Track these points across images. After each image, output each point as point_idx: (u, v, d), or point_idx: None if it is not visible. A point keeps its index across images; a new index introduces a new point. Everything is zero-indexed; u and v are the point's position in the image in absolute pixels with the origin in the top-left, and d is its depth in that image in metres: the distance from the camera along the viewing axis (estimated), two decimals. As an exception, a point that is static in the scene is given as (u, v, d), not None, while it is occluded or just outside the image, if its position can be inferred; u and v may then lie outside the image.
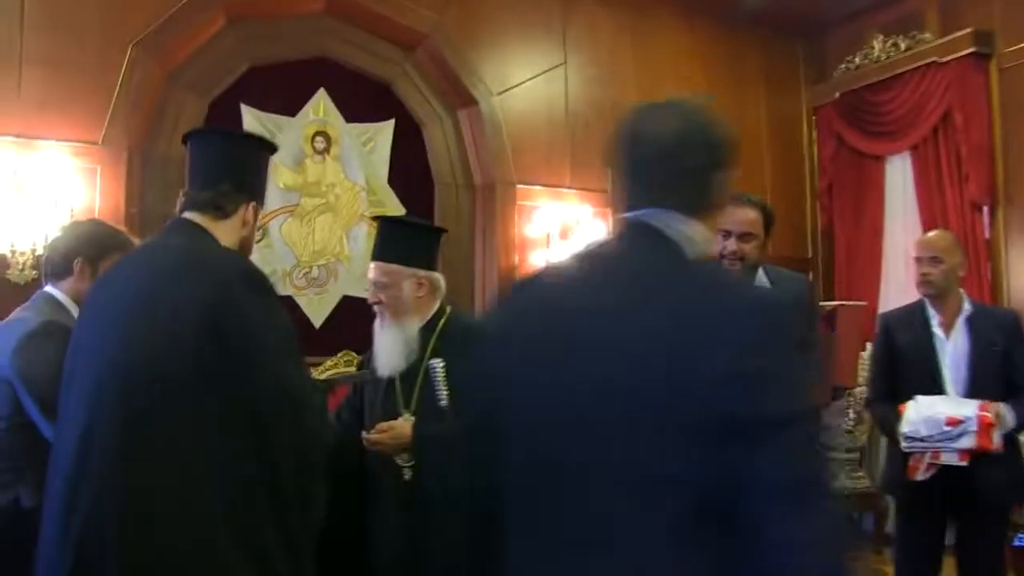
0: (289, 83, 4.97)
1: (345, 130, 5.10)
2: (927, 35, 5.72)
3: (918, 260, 3.49)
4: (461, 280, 5.35)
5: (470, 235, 5.41)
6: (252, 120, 4.84)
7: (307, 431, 1.93)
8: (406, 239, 2.72)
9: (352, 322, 4.99)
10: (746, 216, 2.93)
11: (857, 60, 6.17)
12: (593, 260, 1.38)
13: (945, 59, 5.49)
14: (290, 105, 4.96)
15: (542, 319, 1.32)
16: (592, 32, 5.73)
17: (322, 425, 2.10)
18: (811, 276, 6.16)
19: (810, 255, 6.45)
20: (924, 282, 3.28)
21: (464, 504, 1.53)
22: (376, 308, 2.67)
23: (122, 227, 4.37)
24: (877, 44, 6.01)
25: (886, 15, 6.07)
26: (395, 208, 5.20)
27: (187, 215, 2.03)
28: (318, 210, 5.02)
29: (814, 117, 6.56)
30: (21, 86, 4.27)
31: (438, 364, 2.58)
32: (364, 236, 5.11)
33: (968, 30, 5.39)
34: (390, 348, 2.62)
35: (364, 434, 2.52)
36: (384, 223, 2.84)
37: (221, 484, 1.74)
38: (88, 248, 2.59)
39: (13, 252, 4.12)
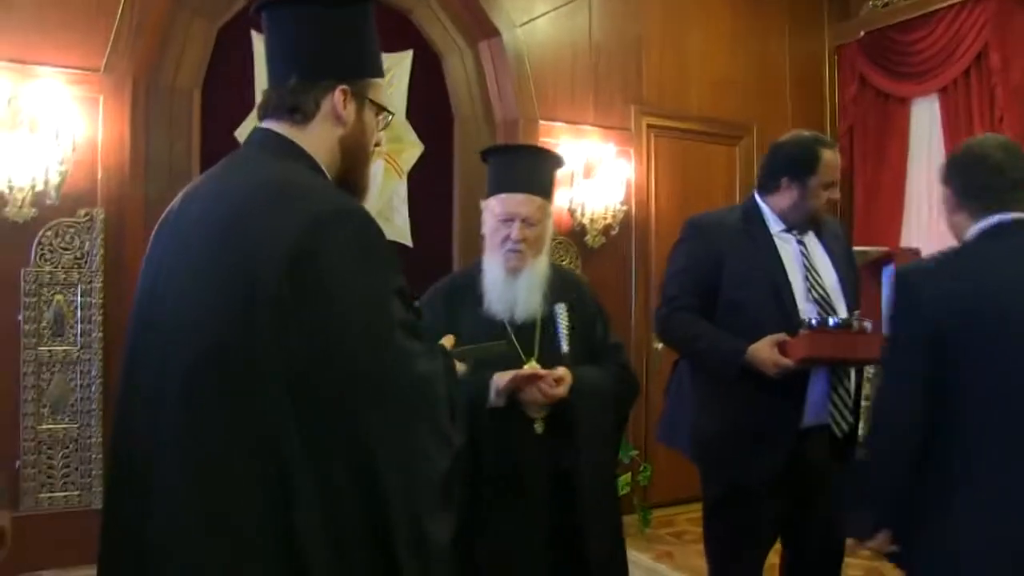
0: (303, 9, 4.62)
1: (362, 61, 4.78)
2: (964, -30, 5.52)
3: None
4: (480, 219, 5.11)
5: (489, 174, 5.16)
6: (263, 49, 4.50)
7: (425, 439, 1.44)
8: (549, 170, 2.56)
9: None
10: (839, 161, 2.82)
11: (886, -3, 5.96)
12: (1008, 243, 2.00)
13: (984, -4, 5.30)
14: (304, 33, 4.61)
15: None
16: (619, -38, 5.45)
17: (451, 426, 1.51)
18: (831, 221, 6.00)
19: (829, 199, 6.30)
20: None
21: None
22: (514, 248, 2.41)
23: (126, 164, 4.15)
24: (909, -20, 5.80)
25: (919, -51, 5.85)
26: (413, 144, 4.92)
27: (266, 124, 1.58)
28: (333, 146, 4.73)
29: (836, 57, 6.35)
30: (13, 5, 3.90)
31: (562, 309, 2.42)
32: (381, 173, 4.83)
33: (1010, -35, 5.19)
34: (530, 291, 2.42)
35: (540, 390, 2.28)
36: (525, 152, 2.67)
37: (299, 509, 1.33)
38: None
39: (11, 188, 3.81)
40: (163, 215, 1.59)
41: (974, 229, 2.05)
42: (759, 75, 6.03)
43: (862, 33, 6.08)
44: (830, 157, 2.75)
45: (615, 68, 5.41)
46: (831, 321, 2.59)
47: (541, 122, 5.09)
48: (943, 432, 1.91)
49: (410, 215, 4.90)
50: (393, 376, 1.41)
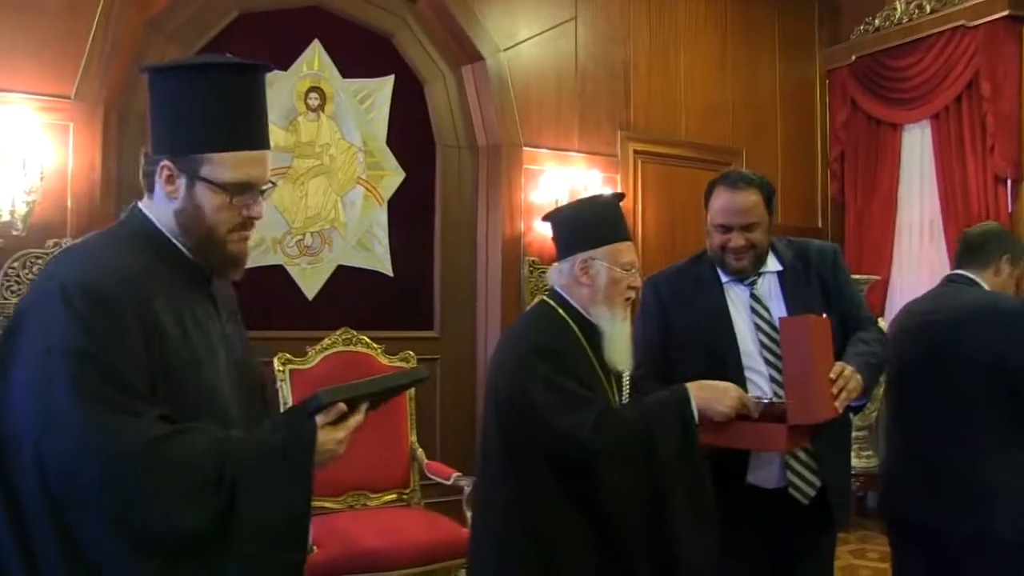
0: (281, 34, 4.54)
1: (341, 86, 4.69)
2: (955, -4, 5.45)
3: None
4: (462, 247, 5.04)
5: (472, 200, 5.08)
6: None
7: (90, 527, 1.36)
8: None
9: (348, 295, 4.67)
10: (746, 203, 2.46)
11: (877, 22, 5.88)
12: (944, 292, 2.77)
13: (975, 23, 5.22)
14: (282, 58, 4.52)
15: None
16: (605, -15, 5.37)
17: (160, 511, 1.37)
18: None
19: (820, 225, 6.22)
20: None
21: None
22: (632, 296, 2.31)
23: (97, 193, 4.04)
24: (900, 5, 5.72)
25: (909, -25, 5.78)
26: (394, 171, 4.83)
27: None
28: (311, 172, 4.63)
29: (827, 81, 6.27)
30: (-20, 31, 3.81)
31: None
32: (360, 201, 4.74)
33: (1001, -8, 5.12)
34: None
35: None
36: (616, 199, 2.46)
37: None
38: None
39: (-24, 218, 3.70)
40: None
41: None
42: (749, 99, 5.95)
43: (853, 58, 6.00)
44: (722, 196, 2.49)
45: (601, 93, 5.33)
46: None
47: (525, 148, 5.01)
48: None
49: (390, 244, 4.80)
50: (55, 446, 1.35)
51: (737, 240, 2.46)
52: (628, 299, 2.27)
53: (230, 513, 1.39)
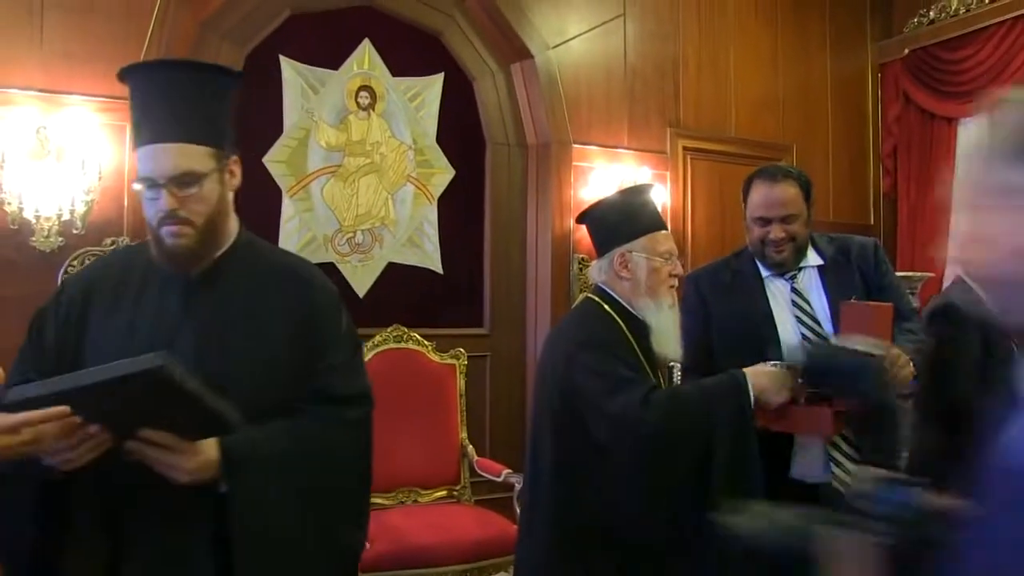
0: (332, 33, 4.58)
1: (391, 85, 4.71)
2: (1014, -14, 5.33)
3: None
4: (512, 244, 5.04)
5: (522, 197, 5.07)
6: (291, 73, 4.46)
7: None
8: None
9: (398, 292, 4.69)
10: (784, 195, 2.48)
11: (931, 14, 5.77)
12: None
13: (1035, 12, 5.11)
14: (333, 57, 4.57)
15: None
16: (653, -19, 5.34)
17: None
18: (874, 244, 5.82)
19: (872, 222, 6.12)
20: None
21: None
22: (676, 284, 2.34)
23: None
24: (955, -3, 5.62)
25: (965, -36, 5.66)
26: (444, 169, 4.84)
27: None
28: (362, 171, 4.66)
29: (879, 75, 6.17)
30: (43, 34, 3.88)
31: None
32: (411, 198, 4.76)
33: (1063, -21, 5.00)
34: None
35: None
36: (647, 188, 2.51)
37: None
38: None
39: (38, 217, 3.77)
40: None
41: None
42: (799, 94, 5.88)
43: (906, 51, 5.90)
44: (760, 189, 2.51)
45: (651, 90, 5.29)
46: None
47: (575, 145, 4.99)
48: None
49: (440, 241, 4.81)
50: None
51: (776, 232, 2.47)
52: (671, 287, 2.27)
53: None
